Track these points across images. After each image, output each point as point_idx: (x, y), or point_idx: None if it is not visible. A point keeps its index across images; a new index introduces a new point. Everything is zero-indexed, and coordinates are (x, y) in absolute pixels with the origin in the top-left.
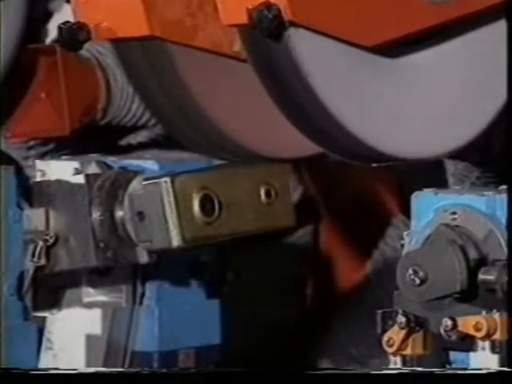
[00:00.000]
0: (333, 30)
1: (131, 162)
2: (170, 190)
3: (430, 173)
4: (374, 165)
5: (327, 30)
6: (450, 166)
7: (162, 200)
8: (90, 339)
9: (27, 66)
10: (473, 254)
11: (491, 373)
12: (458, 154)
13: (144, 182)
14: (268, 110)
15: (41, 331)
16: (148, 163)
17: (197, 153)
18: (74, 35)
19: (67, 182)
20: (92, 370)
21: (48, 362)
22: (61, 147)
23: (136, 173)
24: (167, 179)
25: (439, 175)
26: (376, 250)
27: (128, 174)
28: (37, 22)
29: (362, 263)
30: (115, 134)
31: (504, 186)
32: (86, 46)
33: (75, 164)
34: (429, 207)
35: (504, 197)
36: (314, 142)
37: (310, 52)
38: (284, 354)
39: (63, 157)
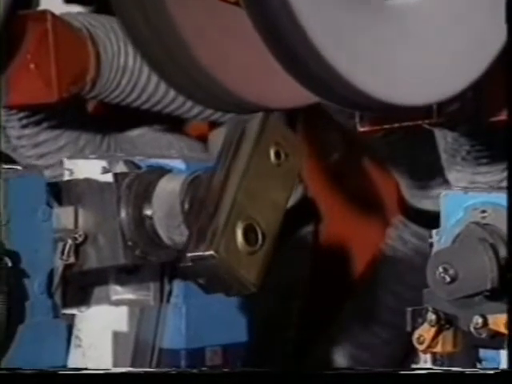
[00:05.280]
0: None
1: (158, 160)
2: (219, 260)
3: (429, 173)
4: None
5: None
6: (441, 141)
7: (215, 273)
8: (117, 337)
9: (17, 32)
10: (503, 253)
11: (474, 373)
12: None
13: (189, 254)
14: (260, 57)
15: (70, 329)
16: (175, 162)
17: (184, 97)
18: None
19: (96, 181)
20: (121, 370)
21: (77, 359)
22: (54, 127)
23: (164, 171)
24: (212, 253)
25: (438, 175)
26: (376, 250)
27: (156, 173)
28: None
29: (362, 264)
30: (113, 127)
31: None
32: (78, 17)
33: (103, 163)
34: (458, 206)
35: None
36: (307, 87)
37: None
38: (284, 354)
39: (90, 156)
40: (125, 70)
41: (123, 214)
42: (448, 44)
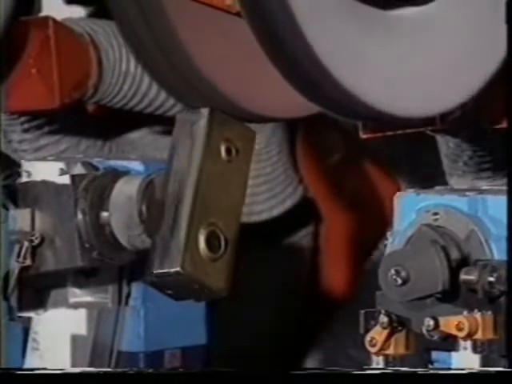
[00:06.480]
0: None
1: (116, 162)
2: (186, 275)
3: (430, 174)
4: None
5: None
6: (443, 147)
7: (183, 286)
8: (75, 339)
9: (19, 38)
10: (454, 255)
11: (475, 373)
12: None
13: (155, 271)
14: (261, 66)
15: (26, 332)
16: (133, 164)
17: (184, 105)
18: None
19: (53, 183)
20: (79, 370)
21: (35, 362)
22: (55, 131)
23: (121, 173)
24: (178, 269)
25: (439, 177)
26: (375, 250)
27: (113, 175)
28: None
29: (362, 264)
30: (114, 130)
31: (487, 187)
32: (80, 22)
33: (61, 165)
34: (411, 208)
35: (486, 197)
36: (307, 97)
37: (305, 2)
38: (283, 354)
39: (49, 158)
40: (127, 75)
41: (80, 216)
42: (451, 56)
